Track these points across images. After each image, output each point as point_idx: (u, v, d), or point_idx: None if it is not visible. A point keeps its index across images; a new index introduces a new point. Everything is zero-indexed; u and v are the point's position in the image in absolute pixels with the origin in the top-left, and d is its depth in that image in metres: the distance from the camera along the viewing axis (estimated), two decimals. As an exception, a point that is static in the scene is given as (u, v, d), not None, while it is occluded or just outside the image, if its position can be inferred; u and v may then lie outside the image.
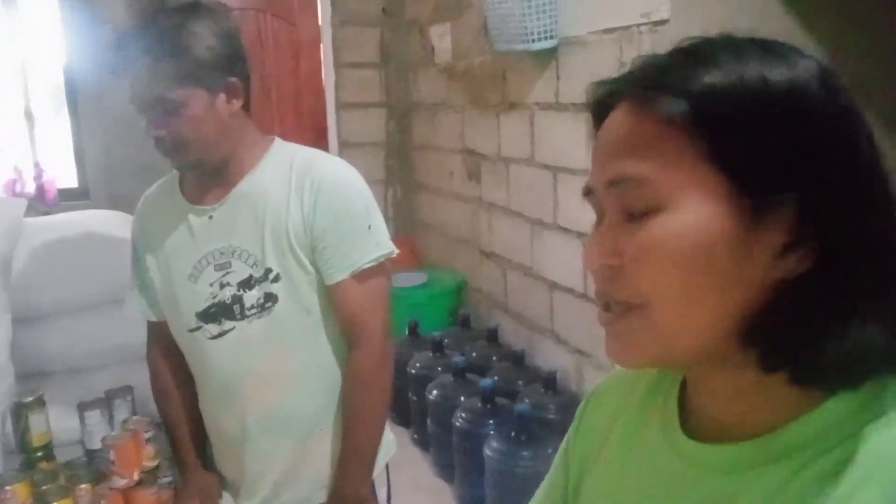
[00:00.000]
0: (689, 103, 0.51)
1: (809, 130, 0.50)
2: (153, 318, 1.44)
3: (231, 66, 1.26)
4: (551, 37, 2.43)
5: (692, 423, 0.60)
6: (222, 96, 1.25)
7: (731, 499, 0.53)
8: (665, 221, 0.51)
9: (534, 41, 2.44)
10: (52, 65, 3.60)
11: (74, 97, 3.64)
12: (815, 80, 0.51)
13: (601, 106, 0.58)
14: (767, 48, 0.53)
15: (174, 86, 1.20)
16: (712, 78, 0.51)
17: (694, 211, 0.50)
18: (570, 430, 0.75)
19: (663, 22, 1.86)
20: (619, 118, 0.55)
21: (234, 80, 1.26)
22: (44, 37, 3.52)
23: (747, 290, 0.51)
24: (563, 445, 0.75)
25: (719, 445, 0.56)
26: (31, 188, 3.55)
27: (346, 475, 1.36)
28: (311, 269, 1.29)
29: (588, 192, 0.58)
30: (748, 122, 0.50)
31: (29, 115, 3.55)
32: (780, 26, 1.81)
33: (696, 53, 0.53)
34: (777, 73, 0.50)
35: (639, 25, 1.96)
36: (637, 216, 0.52)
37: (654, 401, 0.66)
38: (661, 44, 0.68)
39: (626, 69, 0.57)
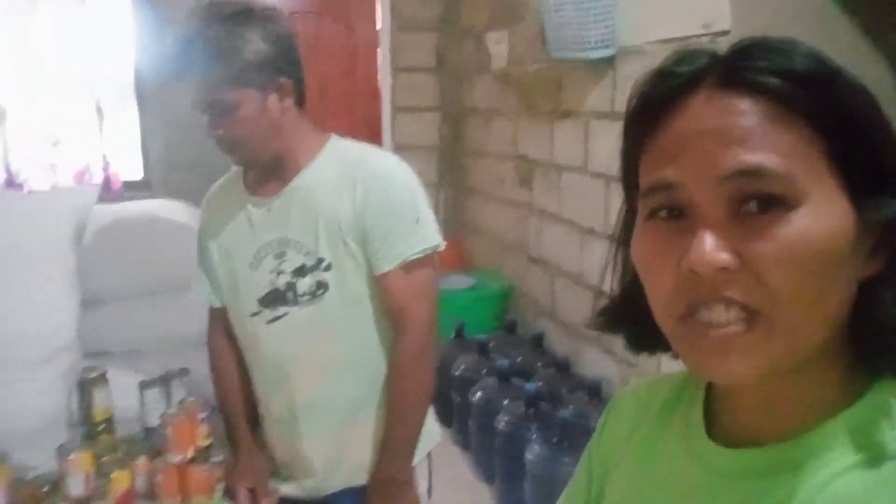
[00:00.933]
0: (808, 91, 0.49)
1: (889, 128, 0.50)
2: (217, 304, 1.50)
3: (282, 67, 1.31)
4: (609, 46, 2.44)
5: (717, 429, 0.59)
6: (274, 96, 1.31)
7: None
8: (798, 220, 0.48)
9: (591, 49, 2.45)
10: (123, 61, 3.74)
11: (142, 92, 3.78)
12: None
13: (675, 86, 0.53)
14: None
15: (227, 88, 1.27)
16: (813, 65, 0.49)
17: (825, 209, 0.48)
18: (593, 437, 0.74)
19: (724, 33, 1.85)
20: (726, 104, 0.50)
21: (284, 80, 1.32)
22: (115, 33, 3.67)
23: (849, 291, 0.50)
24: (585, 453, 0.74)
25: (742, 451, 0.54)
26: (98, 179, 3.70)
27: (386, 460, 1.40)
28: (360, 259, 1.34)
29: (664, 187, 0.52)
30: (861, 116, 0.49)
31: (99, 110, 3.70)
32: (840, 34, 1.79)
33: (775, 43, 0.51)
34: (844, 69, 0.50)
35: (699, 36, 1.96)
36: (754, 214, 0.48)
37: (676, 407, 0.64)
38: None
39: (697, 53, 0.53)
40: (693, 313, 0.50)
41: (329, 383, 1.39)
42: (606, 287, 0.65)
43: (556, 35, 2.60)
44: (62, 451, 1.27)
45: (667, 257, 0.51)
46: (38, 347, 1.51)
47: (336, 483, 1.44)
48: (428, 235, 1.37)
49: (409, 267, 1.34)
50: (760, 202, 0.48)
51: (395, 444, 1.40)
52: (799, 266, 0.47)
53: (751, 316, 0.48)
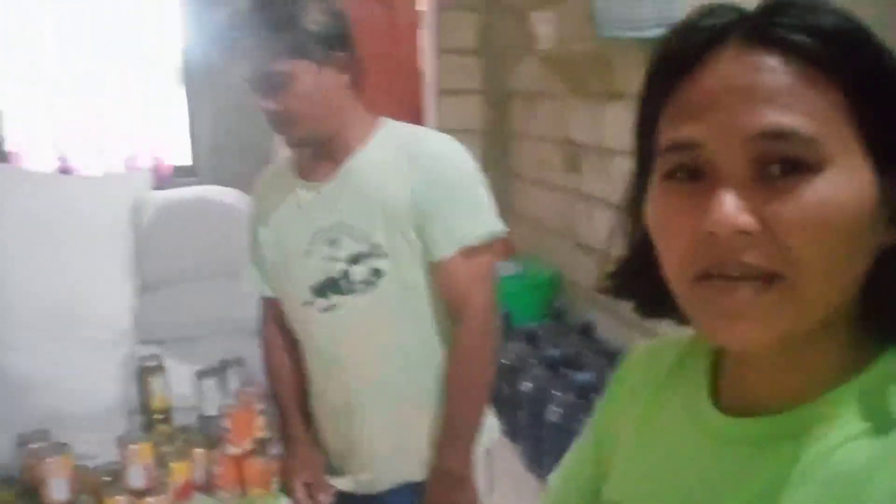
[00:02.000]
0: (837, 51, 0.48)
1: None
2: (269, 294, 1.47)
3: (339, 41, 1.28)
4: (664, 24, 2.34)
5: (722, 396, 0.58)
6: (331, 70, 1.28)
7: (748, 473, 0.52)
8: (823, 184, 0.47)
9: (646, 28, 2.36)
10: (172, 46, 3.74)
11: (190, 78, 3.78)
12: None
13: (700, 42, 0.51)
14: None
15: (284, 58, 1.23)
16: (842, 24, 0.48)
17: (850, 175, 0.47)
18: (600, 402, 0.74)
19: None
20: (754, 60, 0.48)
21: (342, 54, 1.28)
22: (165, 18, 3.67)
23: (867, 259, 0.49)
24: (594, 414, 0.74)
25: (746, 419, 0.54)
26: (146, 164, 3.71)
27: (445, 453, 1.36)
28: (417, 245, 1.30)
29: (685, 147, 0.50)
30: (889, 80, 0.48)
31: (147, 95, 3.71)
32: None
33: (803, 2, 0.49)
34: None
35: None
36: (777, 176, 0.47)
37: (682, 372, 0.64)
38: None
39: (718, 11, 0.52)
40: (708, 277, 0.49)
41: (385, 374, 1.36)
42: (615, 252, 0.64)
43: (607, 13, 2.51)
44: (122, 442, 1.26)
45: (683, 219, 0.50)
46: (103, 329, 1.52)
47: (392, 478, 1.41)
48: (488, 220, 1.32)
49: (469, 253, 1.30)
50: (784, 165, 0.47)
51: (454, 435, 1.36)
52: (822, 231, 0.46)
53: (768, 280, 0.47)
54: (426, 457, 1.39)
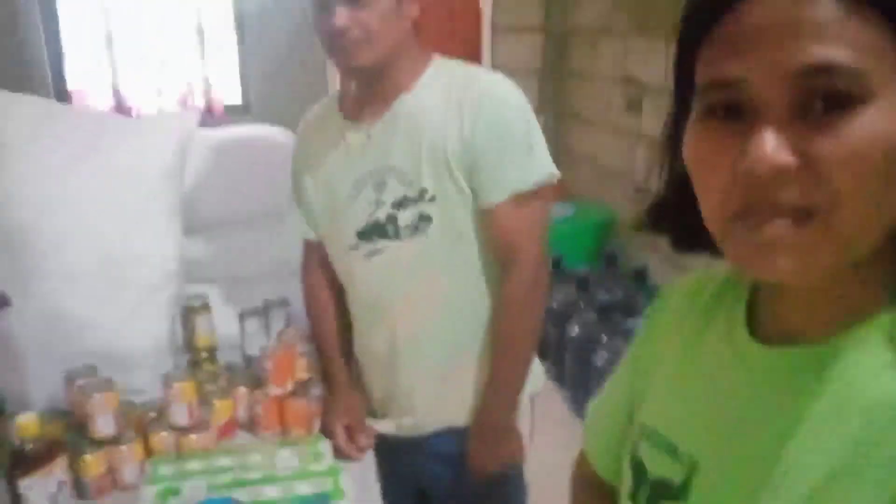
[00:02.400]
0: None
1: None
2: (312, 237, 1.45)
3: None
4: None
5: (760, 328, 0.59)
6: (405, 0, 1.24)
7: (785, 402, 0.53)
8: (869, 119, 0.45)
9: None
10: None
11: (241, 17, 3.75)
12: None
13: None
14: None
15: None
16: None
17: (895, 109, 0.46)
18: (638, 334, 0.75)
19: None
20: None
21: None
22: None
23: None
24: (631, 347, 0.76)
25: (782, 349, 0.55)
26: (199, 102, 3.74)
27: (492, 403, 1.35)
28: (467, 190, 1.25)
29: (725, 84, 0.49)
30: None
31: (200, 33, 3.71)
32: None
33: None
34: None
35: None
36: (820, 113, 0.46)
37: (720, 304, 0.65)
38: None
39: None
40: (745, 213, 0.49)
41: (432, 321, 1.34)
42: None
43: (677, -57, 2.36)
44: (167, 380, 1.28)
45: (722, 156, 0.50)
46: (151, 271, 1.53)
47: (434, 422, 1.41)
48: (542, 165, 1.27)
49: (521, 199, 1.25)
50: (828, 100, 0.46)
51: (501, 387, 1.35)
52: (864, 165, 0.46)
53: (806, 216, 0.47)
54: (470, 402, 1.38)
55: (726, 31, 0.49)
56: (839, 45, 0.45)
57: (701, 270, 0.72)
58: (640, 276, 2.96)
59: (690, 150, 0.53)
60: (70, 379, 1.31)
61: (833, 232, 0.47)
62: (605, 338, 2.59)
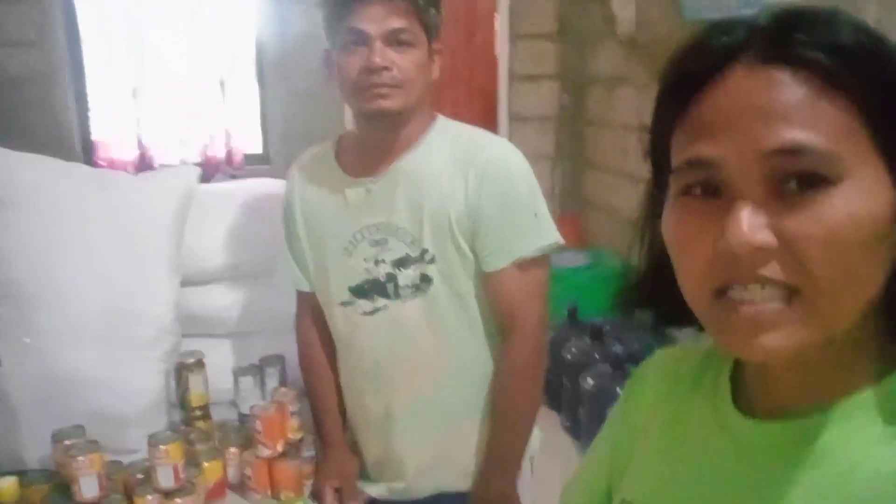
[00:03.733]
0: (853, 66, 0.47)
1: None
2: (305, 289, 1.44)
3: (438, 32, 1.26)
4: (753, 5, 2.18)
5: (745, 400, 0.59)
6: (435, 57, 1.27)
7: (775, 481, 0.52)
8: (840, 199, 0.47)
9: (732, 10, 2.21)
10: (246, 35, 3.81)
11: (262, 67, 3.83)
12: None
13: (712, 59, 0.51)
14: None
15: (416, 24, 1.21)
16: (859, 38, 0.47)
17: (867, 188, 0.47)
18: (618, 403, 0.74)
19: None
20: (767, 77, 0.48)
21: (441, 47, 1.27)
22: (240, 8, 3.73)
23: (887, 270, 0.49)
24: (610, 419, 0.75)
25: (771, 423, 0.55)
26: (220, 153, 3.80)
27: (492, 472, 1.32)
28: (468, 254, 1.24)
29: (700, 164, 0.50)
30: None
31: (222, 84, 3.79)
32: None
33: (818, 14, 0.49)
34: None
35: (855, -8, 1.69)
36: (794, 192, 0.47)
37: (704, 378, 0.64)
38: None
39: (736, 25, 0.51)
40: (726, 291, 0.49)
41: (431, 384, 1.31)
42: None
43: (690, -6, 2.36)
44: (152, 441, 1.26)
45: (701, 235, 0.50)
46: (148, 327, 1.53)
47: (428, 487, 1.37)
48: (547, 232, 1.26)
49: (524, 265, 1.24)
50: (801, 180, 0.47)
51: (503, 455, 1.32)
52: (839, 245, 0.47)
53: (789, 294, 0.48)
54: (465, 467, 1.35)
55: (699, 113, 0.51)
56: (808, 127, 0.47)
57: (683, 344, 0.72)
58: (656, 328, 2.90)
59: (670, 228, 0.54)
60: (57, 439, 1.30)
61: (813, 310, 0.48)
62: (619, 390, 2.53)
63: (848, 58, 0.47)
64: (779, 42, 0.48)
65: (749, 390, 0.59)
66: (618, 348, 2.66)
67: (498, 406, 1.31)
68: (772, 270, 0.47)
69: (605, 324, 2.96)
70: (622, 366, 2.63)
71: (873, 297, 0.49)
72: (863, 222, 0.47)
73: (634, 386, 0.73)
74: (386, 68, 1.18)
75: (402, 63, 1.20)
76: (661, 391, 0.69)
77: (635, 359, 2.69)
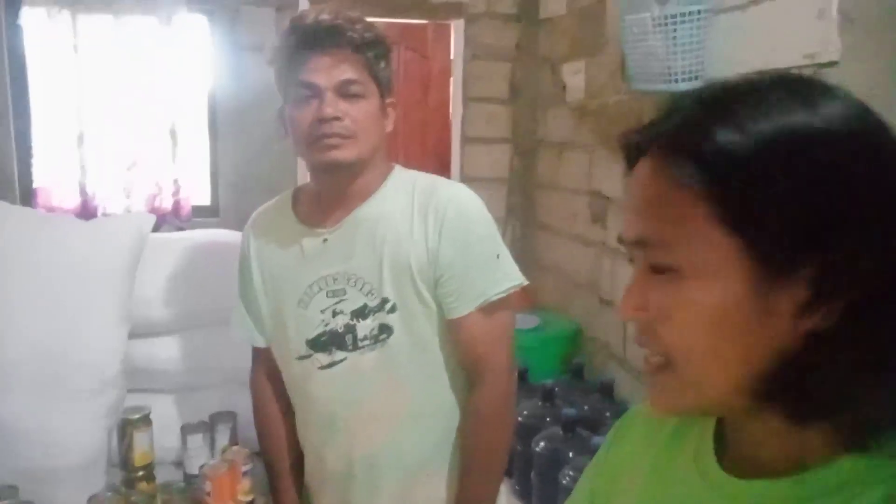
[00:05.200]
0: (701, 168, 0.51)
1: (830, 186, 0.48)
2: (260, 345, 1.40)
3: (390, 86, 1.29)
4: (697, 77, 2.28)
5: (728, 456, 0.60)
6: (388, 111, 1.29)
7: None
8: (685, 286, 0.52)
9: (678, 81, 2.30)
10: (198, 86, 3.77)
11: (215, 118, 3.79)
12: (842, 126, 0.49)
13: (633, 151, 0.58)
14: (793, 92, 0.51)
15: (366, 76, 1.22)
16: (726, 137, 0.50)
17: (712, 277, 0.51)
18: (598, 455, 0.76)
19: (831, 64, 1.67)
20: (642, 174, 0.55)
21: (393, 101, 1.30)
22: (193, 59, 3.70)
23: (772, 344, 0.51)
24: (588, 470, 0.77)
25: (753, 481, 0.56)
26: (168, 203, 3.71)
27: None
28: (430, 302, 1.23)
29: (621, 241, 0.58)
30: (763, 185, 0.49)
31: (173, 134, 3.73)
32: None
33: (714, 106, 0.53)
34: (798, 124, 0.49)
35: (801, 67, 1.78)
36: (657, 274, 0.54)
37: (688, 431, 0.66)
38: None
39: (659, 113, 0.57)
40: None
41: (393, 436, 1.27)
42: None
43: (639, 66, 2.46)
44: (92, 503, 1.18)
45: None
46: (90, 378, 1.45)
47: None
48: (509, 273, 1.26)
49: (489, 309, 1.23)
50: (654, 268, 0.54)
51: (474, 502, 1.27)
52: (679, 326, 0.52)
53: (665, 361, 0.54)
54: None
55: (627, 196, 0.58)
56: (662, 223, 0.52)
57: (636, 406, 0.77)
58: (607, 390, 2.91)
59: None
60: (-14, 500, 1.21)
61: (678, 378, 0.54)
62: (571, 455, 2.50)
63: (717, 163, 0.50)
64: (651, 142, 0.55)
65: (731, 445, 0.60)
66: (569, 411, 2.64)
67: (467, 455, 1.27)
68: (645, 341, 0.55)
69: (556, 385, 2.95)
70: (573, 428, 2.60)
71: (756, 370, 0.52)
72: (707, 310, 0.51)
73: (616, 435, 0.75)
74: (337, 118, 1.19)
75: (354, 113, 1.21)
76: (643, 441, 0.70)
77: (587, 421, 2.68)
